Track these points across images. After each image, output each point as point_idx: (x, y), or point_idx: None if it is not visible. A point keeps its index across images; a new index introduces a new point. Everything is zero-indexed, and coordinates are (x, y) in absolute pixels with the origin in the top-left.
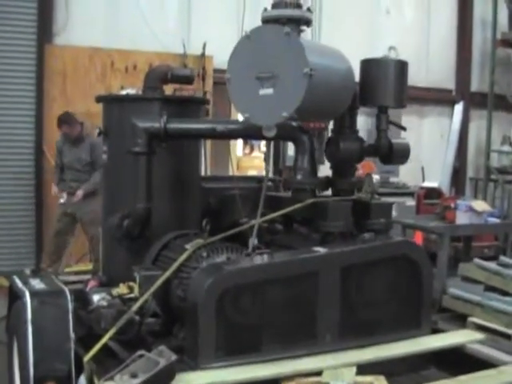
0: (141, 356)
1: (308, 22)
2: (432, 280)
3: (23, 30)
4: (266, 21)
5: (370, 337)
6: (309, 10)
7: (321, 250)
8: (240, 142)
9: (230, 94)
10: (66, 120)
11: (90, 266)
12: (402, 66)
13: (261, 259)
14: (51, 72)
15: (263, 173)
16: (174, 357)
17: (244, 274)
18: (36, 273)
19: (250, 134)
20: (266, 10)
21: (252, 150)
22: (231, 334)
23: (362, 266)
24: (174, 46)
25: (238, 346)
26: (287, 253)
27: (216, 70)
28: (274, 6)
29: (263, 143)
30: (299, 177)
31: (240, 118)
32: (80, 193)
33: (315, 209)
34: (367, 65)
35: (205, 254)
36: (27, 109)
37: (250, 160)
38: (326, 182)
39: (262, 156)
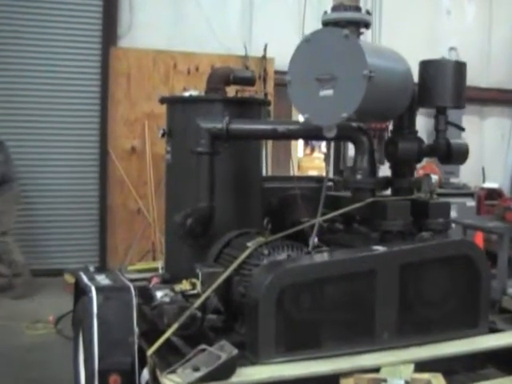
0: (202, 350)
1: (367, 25)
2: (490, 280)
3: (88, 34)
4: (326, 24)
5: (427, 335)
6: (368, 12)
7: (379, 248)
8: (301, 142)
9: (291, 95)
10: None
11: (152, 264)
12: (460, 67)
13: (320, 257)
14: (116, 74)
15: (323, 173)
16: (235, 351)
17: (303, 272)
18: (100, 270)
19: (310, 134)
20: (326, 13)
21: (313, 150)
22: (291, 329)
23: (420, 265)
24: (236, 48)
25: (298, 341)
26: (346, 251)
27: (277, 72)
28: (334, 9)
29: (324, 144)
30: (359, 176)
31: (301, 118)
32: None
33: (374, 208)
34: (426, 66)
35: (266, 252)
36: (92, 110)
37: (310, 160)
38: (385, 182)
39: (323, 157)
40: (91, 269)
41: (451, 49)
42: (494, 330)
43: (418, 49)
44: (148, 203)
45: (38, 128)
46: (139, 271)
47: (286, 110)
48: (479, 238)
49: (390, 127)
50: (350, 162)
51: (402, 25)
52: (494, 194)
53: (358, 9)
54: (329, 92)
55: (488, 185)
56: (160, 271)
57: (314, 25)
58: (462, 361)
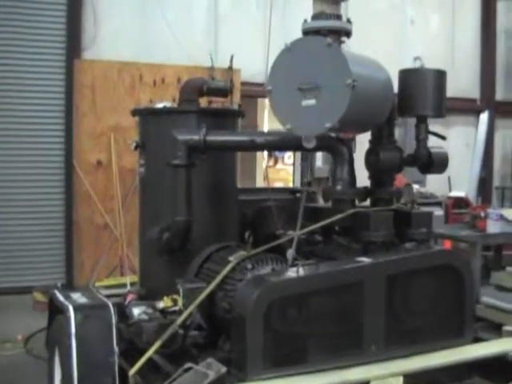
0: (188, 369)
1: (348, 33)
2: (474, 289)
3: (52, 45)
4: (307, 32)
5: (414, 346)
6: (349, 21)
7: (365, 259)
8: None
9: (272, 105)
10: None
11: (121, 280)
12: (440, 76)
13: (306, 270)
14: (80, 86)
15: (290, 184)
16: (223, 369)
17: (290, 285)
18: (67, 287)
19: (289, 145)
20: (306, 21)
21: (276, 162)
22: (278, 345)
23: (407, 276)
24: (202, 59)
25: (285, 357)
26: (332, 263)
27: (244, 83)
28: (315, 18)
29: (287, 155)
30: (339, 187)
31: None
32: None
33: (357, 219)
34: (406, 75)
35: (249, 266)
36: (57, 123)
37: (274, 172)
38: (365, 193)
39: (287, 168)
40: (58, 285)
41: (416, 58)
42: (477, 339)
43: (383, 58)
44: (115, 218)
45: (0, 142)
46: (107, 287)
47: (252, 121)
48: (447, 247)
49: (358, 138)
50: (318, 173)
51: (367, 34)
52: (460, 202)
53: (339, 17)
54: (311, 102)
55: (454, 193)
56: (128, 287)
57: (278, 36)
58: (448, 371)
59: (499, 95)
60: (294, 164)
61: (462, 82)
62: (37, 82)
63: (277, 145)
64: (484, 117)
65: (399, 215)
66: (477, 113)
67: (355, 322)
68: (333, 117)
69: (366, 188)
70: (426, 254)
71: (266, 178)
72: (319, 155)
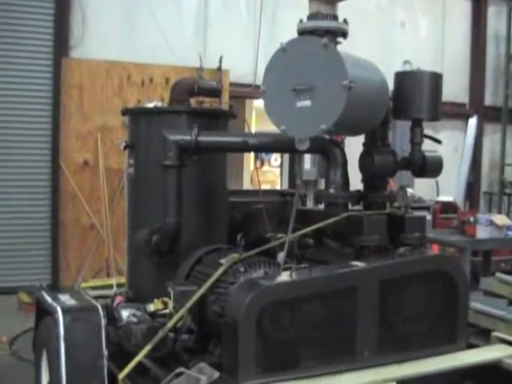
0: (180, 374)
1: (344, 34)
2: (468, 295)
3: (40, 43)
4: (302, 32)
5: (407, 352)
6: (345, 21)
7: (359, 264)
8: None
9: (265, 106)
10: None
11: (107, 281)
12: (436, 78)
13: (300, 274)
14: (68, 86)
15: (277, 187)
16: (216, 374)
17: (284, 290)
18: (51, 288)
19: (282, 146)
20: (301, 21)
21: (262, 164)
22: (270, 350)
23: (400, 281)
24: (190, 59)
25: (277, 362)
26: (326, 267)
27: (232, 84)
28: (311, 18)
29: (273, 158)
30: (332, 190)
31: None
32: None
33: (350, 223)
34: (402, 77)
35: (242, 269)
36: (44, 123)
37: (261, 174)
38: (359, 196)
39: (274, 170)
40: (43, 285)
41: (405, 62)
42: (469, 346)
43: (373, 61)
44: (101, 218)
45: None
46: (93, 288)
47: (240, 122)
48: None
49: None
50: (306, 176)
51: (357, 37)
52: (448, 207)
53: (335, 17)
54: (306, 103)
55: (442, 198)
56: (115, 288)
57: (268, 37)
58: (441, 377)
59: (488, 100)
60: (281, 166)
61: (451, 87)
62: (24, 81)
63: (269, 146)
64: (473, 122)
65: (393, 219)
66: (465, 117)
67: (348, 328)
68: (328, 118)
69: (359, 191)
70: (420, 259)
71: (252, 180)
72: (307, 157)
